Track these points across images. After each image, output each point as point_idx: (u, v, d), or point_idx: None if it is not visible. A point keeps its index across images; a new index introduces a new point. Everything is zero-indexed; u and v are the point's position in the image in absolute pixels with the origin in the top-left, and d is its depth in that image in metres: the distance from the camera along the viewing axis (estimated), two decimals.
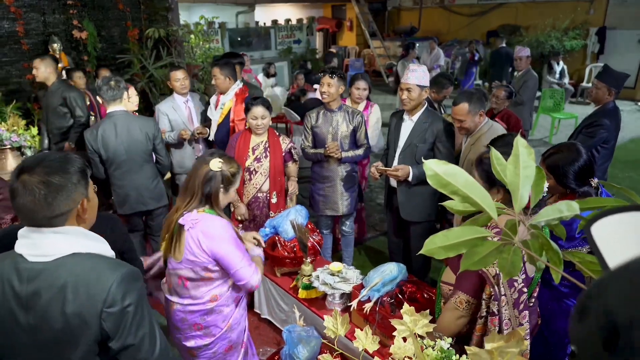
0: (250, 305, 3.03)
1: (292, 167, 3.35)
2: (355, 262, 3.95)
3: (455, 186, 0.89)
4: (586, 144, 3.19)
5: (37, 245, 1.20)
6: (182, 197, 2.01)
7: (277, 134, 3.31)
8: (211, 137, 4.00)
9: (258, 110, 3.09)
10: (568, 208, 0.89)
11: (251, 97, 3.33)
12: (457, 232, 0.88)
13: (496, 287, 1.67)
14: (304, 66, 10.00)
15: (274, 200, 3.26)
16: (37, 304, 1.17)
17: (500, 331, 1.58)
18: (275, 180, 3.23)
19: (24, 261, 1.20)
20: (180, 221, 1.92)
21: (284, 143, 3.26)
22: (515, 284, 1.70)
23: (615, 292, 0.45)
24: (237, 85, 3.86)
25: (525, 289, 1.74)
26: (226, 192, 2.01)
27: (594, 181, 2.13)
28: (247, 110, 3.15)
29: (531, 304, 1.94)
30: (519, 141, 0.90)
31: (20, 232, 1.23)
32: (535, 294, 1.94)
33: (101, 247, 1.27)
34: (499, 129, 3.06)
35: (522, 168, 0.89)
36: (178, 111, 4.07)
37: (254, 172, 3.20)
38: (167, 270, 2.10)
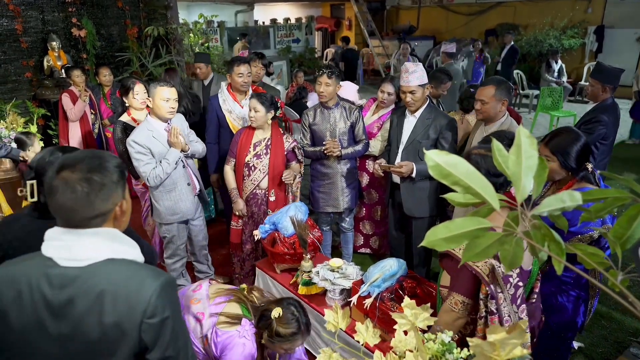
0: None
1: (295, 167, 3.31)
2: (355, 259, 3.95)
3: (457, 176, 0.88)
4: None
5: (70, 249, 1.11)
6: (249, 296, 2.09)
7: (282, 132, 3.28)
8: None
9: (251, 102, 3.11)
10: (571, 198, 0.88)
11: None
12: (459, 224, 0.87)
13: (491, 286, 1.67)
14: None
15: (272, 199, 3.24)
16: (71, 312, 1.09)
17: None
18: (275, 178, 3.21)
19: (54, 265, 1.10)
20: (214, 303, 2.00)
21: (287, 142, 3.23)
22: (511, 279, 1.70)
23: None
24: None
25: (520, 283, 1.74)
26: (269, 340, 1.90)
27: (590, 165, 2.14)
28: None
29: (534, 300, 1.93)
30: (521, 131, 0.89)
31: (50, 233, 1.13)
32: (536, 289, 1.93)
33: (134, 252, 1.19)
34: (516, 127, 3.04)
35: (524, 158, 0.88)
36: (161, 139, 2.93)
37: (252, 168, 3.19)
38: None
